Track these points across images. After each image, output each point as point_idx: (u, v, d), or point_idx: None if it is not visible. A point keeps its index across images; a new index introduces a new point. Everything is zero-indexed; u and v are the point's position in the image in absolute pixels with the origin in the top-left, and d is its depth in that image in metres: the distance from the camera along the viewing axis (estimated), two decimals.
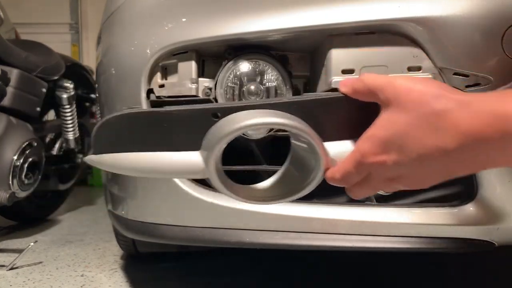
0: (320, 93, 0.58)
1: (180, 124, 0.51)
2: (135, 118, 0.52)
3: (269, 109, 0.50)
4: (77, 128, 2.04)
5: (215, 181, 0.50)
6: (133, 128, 0.51)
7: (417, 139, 0.43)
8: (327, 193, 0.80)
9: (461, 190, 0.75)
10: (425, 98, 0.43)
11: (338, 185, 0.50)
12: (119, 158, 0.52)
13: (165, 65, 0.78)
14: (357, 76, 0.53)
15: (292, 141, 0.53)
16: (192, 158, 0.51)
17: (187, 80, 0.77)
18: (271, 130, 0.70)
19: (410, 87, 0.44)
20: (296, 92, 0.78)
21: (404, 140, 0.44)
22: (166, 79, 0.80)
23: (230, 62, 0.75)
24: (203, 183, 0.77)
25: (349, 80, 0.50)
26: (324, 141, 0.50)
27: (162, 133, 0.51)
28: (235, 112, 0.50)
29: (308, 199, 0.78)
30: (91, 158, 0.54)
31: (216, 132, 0.49)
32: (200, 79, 0.79)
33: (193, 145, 0.51)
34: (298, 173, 0.53)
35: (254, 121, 0.48)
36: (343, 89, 0.50)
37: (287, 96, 0.67)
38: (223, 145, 0.48)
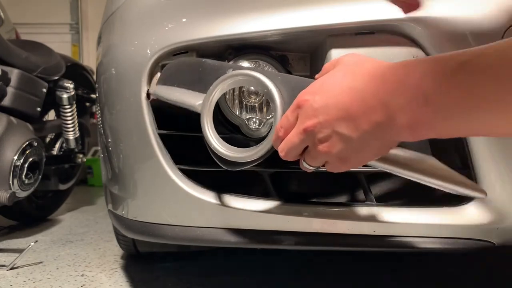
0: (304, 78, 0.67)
1: (209, 71, 0.68)
2: (183, 63, 0.73)
3: (265, 75, 0.62)
4: (77, 128, 2.04)
5: (203, 116, 0.63)
6: (179, 70, 0.73)
7: (337, 80, 0.49)
8: (327, 193, 0.80)
9: None
10: (357, 57, 0.52)
11: (282, 138, 0.54)
12: (162, 89, 0.74)
13: (165, 65, 0.78)
14: None
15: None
16: (197, 97, 0.67)
17: None
18: (271, 129, 0.70)
19: (350, 55, 0.53)
20: None
21: (329, 83, 0.50)
22: None
23: (230, 62, 0.76)
24: (203, 183, 0.77)
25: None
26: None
27: (197, 75, 0.69)
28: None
29: (308, 199, 0.78)
30: (150, 90, 0.78)
31: (217, 80, 0.63)
32: None
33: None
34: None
35: (245, 72, 0.62)
36: (316, 76, 0.59)
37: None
38: (218, 89, 0.63)
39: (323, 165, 0.53)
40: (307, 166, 0.55)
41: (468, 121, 0.41)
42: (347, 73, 0.49)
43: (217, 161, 0.66)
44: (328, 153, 0.49)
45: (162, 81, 0.76)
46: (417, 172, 0.57)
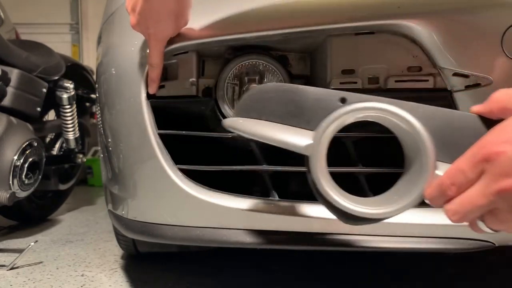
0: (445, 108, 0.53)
1: (312, 101, 0.55)
2: (270, 90, 0.58)
3: (397, 105, 0.50)
4: (77, 128, 2.04)
5: (315, 161, 0.51)
6: (266, 98, 0.58)
7: None
8: None
9: None
10: None
11: (451, 196, 0.44)
12: (246, 123, 0.59)
13: (165, 65, 0.78)
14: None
15: (403, 146, 0.51)
16: (299, 134, 0.54)
17: (187, 80, 0.77)
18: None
19: None
20: None
21: None
22: (166, 79, 0.80)
23: (230, 62, 0.76)
24: (203, 183, 0.77)
25: (480, 105, 0.48)
26: (438, 158, 0.47)
27: (293, 106, 0.56)
28: (362, 100, 0.51)
29: (308, 199, 0.78)
30: (227, 122, 0.62)
31: (334, 113, 0.51)
32: (200, 79, 0.79)
33: (314, 124, 0.53)
34: (404, 187, 0.51)
35: (378, 105, 0.50)
36: (476, 108, 0.48)
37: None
38: (333, 126, 0.51)
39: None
40: (486, 229, 0.45)
41: None
42: None
43: (336, 216, 0.56)
44: None
45: (244, 112, 0.61)
46: None
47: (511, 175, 0.39)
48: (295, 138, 0.55)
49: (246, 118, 0.60)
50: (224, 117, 0.72)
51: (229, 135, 0.73)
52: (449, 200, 0.44)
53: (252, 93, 0.61)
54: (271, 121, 0.57)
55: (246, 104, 0.61)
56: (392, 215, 0.50)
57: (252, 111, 0.59)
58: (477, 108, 0.48)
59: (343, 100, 0.53)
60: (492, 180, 0.40)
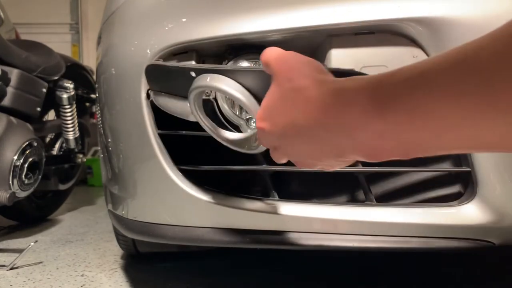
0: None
1: (181, 76, 0.67)
2: (164, 70, 0.73)
3: (225, 74, 0.61)
4: (77, 128, 2.04)
5: (190, 102, 0.65)
6: (161, 75, 0.74)
7: (282, 112, 0.44)
8: (327, 193, 0.80)
9: (460, 190, 0.75)
10: (291, 75, 0.44)
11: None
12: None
13: None
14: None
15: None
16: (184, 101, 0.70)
17: None
18: None
19: (283, 63, 0.46)
20: None
21: (275, 111, 0.45)
22: None
23: (230, 62, 0.76)
24: (203, 183, 0.77)
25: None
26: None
27: (172, 80, 0.71)
28: (205, 73, 0.63)
29: (308, 199, 0.78)
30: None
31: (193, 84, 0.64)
32: None
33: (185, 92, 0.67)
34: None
35: (202, 84, 0.62)
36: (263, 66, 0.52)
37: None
38: (194, 93, 0.64)
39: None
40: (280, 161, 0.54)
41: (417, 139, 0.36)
42: (287, 100, 0.43)
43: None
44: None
45: (150, 84, 0.77)
46: None
47: (275, 147, 0.48)
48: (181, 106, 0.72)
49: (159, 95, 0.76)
50: (224, 116, 0.72)
51: None
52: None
53: (153, 68, 0.75)
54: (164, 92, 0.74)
55: (150, 79, 0.77)
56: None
57: (155, 83, 0.76)
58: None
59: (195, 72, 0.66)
60: (267, 144, 0.50)
